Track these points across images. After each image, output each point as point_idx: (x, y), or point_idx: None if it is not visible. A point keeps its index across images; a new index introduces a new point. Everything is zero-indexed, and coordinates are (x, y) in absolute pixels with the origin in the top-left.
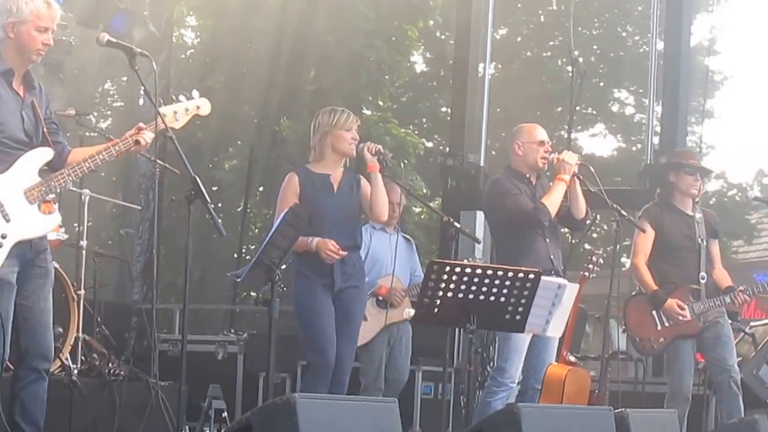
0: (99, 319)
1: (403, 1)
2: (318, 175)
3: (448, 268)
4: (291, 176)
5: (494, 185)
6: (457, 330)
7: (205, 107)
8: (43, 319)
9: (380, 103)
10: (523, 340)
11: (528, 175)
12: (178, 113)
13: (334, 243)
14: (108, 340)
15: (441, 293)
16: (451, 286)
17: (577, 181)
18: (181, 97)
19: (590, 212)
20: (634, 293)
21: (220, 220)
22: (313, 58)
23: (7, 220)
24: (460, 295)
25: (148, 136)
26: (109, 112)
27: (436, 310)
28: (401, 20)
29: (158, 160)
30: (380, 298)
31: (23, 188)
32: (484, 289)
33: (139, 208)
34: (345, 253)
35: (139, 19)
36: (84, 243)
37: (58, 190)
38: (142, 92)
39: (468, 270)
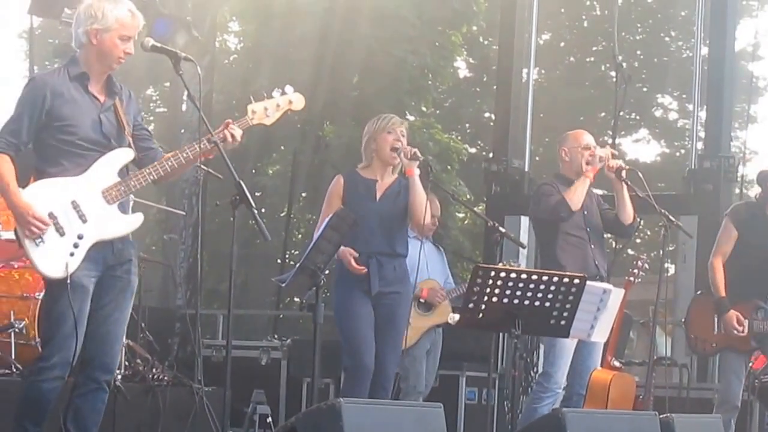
0: (143, 324)
1: (447, 7)
2: (363, 180)
3: (493, 273)
4: (337, 179)
5: (536, 190)
6: (501, 335)
7: (298, 102)
8: (114, 330)
9: (423, 108)
10: (568, 345)
11: (575, 182)
12: (268, 109)
13: (352, 252)
14: (152, 345)
15: (486, 298)
16: (496, 291)
17: (625, 187)
18: (275, 93)
19: (637, 218)
20: (700, 292)
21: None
22: (357, 63)
23: (84, 221)
24: (505, 300)
25: (236, 132)
26: (151, 118)
27: (480, 315)
28: (444, 26)
29: (202, 166)
30: (422, 300)
31: (101, 188)
32: (529, 294)
33: (183, 213)
34: (363, 269)
35: (182, 24)
36: None
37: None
38: (185, 97)
39: (513, 275)
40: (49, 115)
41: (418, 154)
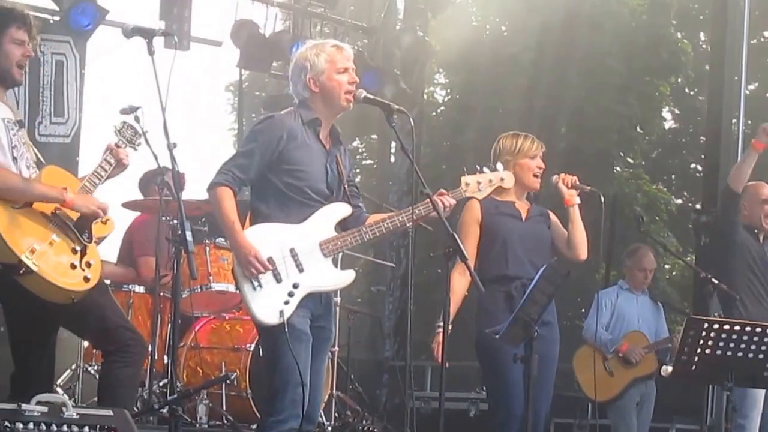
0: (352, 376)
1: (656, 57)
2: (502, 202)
3: (706, 325)
4: (471, 203)
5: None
6: (712, 387)
7: (509, 180)
8: (315, 381)
9: (629, 159)
10: (760, 396)
11: (756, 231)
12: (481, 183)
13: None
14: (361, 397)
15: (699, 350)
16: (709, 342)
17: None
18: (485, 169)
19: None
20: None
21: None
22: (565, 114)
23: (301, 270)
24: (718, 352)
25: (451, 203)
26: (358, 170)
27: (693, 366)
28: (652, 76)
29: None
30: (620, 355)
31: (318, 240)
32: (743, 345)
33: (393, 265)
34: None
35: (391, 77)
36: (338, 300)
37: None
38: (393, 150)
39: (726, 326)
40: (281, 157)
41: (578, 182)
